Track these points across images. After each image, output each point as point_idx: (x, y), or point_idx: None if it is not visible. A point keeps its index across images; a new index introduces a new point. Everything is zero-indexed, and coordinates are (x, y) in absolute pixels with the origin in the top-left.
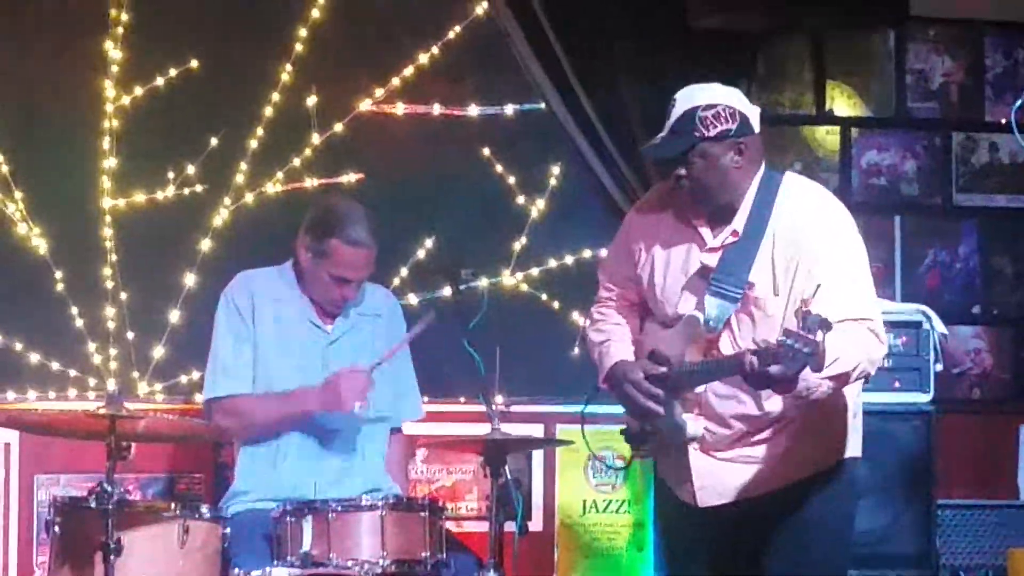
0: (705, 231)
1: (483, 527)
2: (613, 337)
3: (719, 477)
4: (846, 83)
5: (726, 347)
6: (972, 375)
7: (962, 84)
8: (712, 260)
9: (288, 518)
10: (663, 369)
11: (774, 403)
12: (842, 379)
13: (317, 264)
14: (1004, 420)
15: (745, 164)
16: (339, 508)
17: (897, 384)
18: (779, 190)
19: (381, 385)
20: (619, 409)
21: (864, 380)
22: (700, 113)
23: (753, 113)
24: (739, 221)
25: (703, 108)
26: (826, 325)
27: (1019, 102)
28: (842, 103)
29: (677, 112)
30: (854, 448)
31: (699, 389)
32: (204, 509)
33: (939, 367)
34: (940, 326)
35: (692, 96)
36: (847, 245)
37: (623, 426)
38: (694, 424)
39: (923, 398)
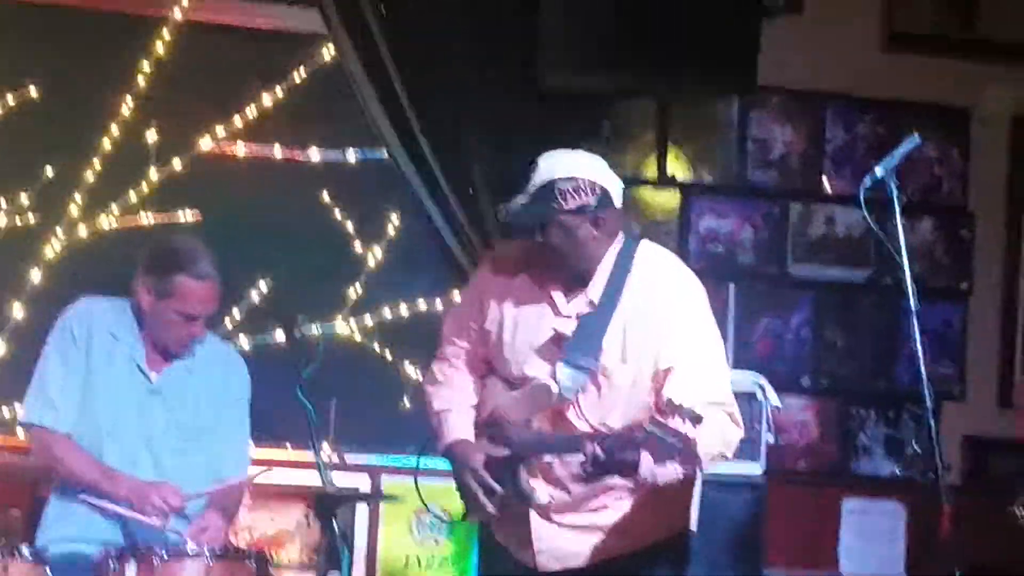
0: (558, 296)
1: None
2: (453, 407)
3: (561, 542)
4: (688, 148)
5: (571, 416)
6: (799, 446)
7: (802, 155)
8: (566, 328)
9: (111, 563)
10: (505, 452)
11: None
12: (695, 464)
13: (162, 303)
14: (828, 492)
15: (602, 235)
16: (164, 555)
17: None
18: (634, 260)
19: (206, 443)
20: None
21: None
22: (559, 185)
23: (615, 186)
24: (595, 291)
25: (562, 180)
26: (697, 419)
27: (868, 182)
28: (683, 168)
29: (538, 180)
30: (693, 520)
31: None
32: (25, 550)
33: (771, 439)
34: (774, 398)
35: (554, 165)
36: (702, 324)
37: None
38: (541, 490)
39: (755, 469)
